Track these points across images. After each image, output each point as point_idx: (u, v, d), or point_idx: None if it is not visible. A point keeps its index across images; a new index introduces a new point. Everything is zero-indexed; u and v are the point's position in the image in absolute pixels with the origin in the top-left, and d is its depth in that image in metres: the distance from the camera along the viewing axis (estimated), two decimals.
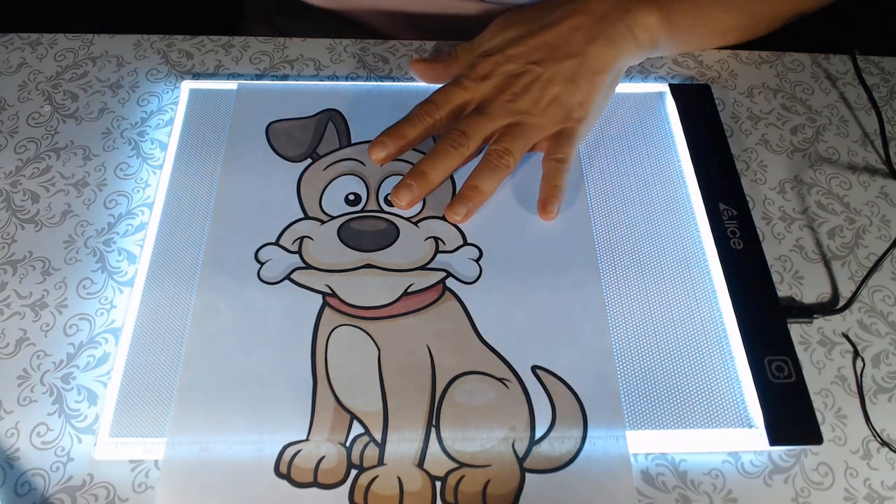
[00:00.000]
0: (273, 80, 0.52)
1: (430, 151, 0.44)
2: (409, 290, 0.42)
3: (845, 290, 0.44)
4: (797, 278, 0.45)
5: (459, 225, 0.45)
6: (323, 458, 0.36)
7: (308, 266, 0.42)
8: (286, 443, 0.37)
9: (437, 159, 0.44)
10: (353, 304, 0.41)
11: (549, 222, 0.45)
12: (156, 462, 0.37)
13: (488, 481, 0.36)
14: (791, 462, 0.38)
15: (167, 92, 0.51)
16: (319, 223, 0.44)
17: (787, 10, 0.51)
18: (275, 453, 0.36)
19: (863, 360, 0.42)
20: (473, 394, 0.38)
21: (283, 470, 0.36)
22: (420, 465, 0.36)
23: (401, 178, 0.46)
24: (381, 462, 0.36)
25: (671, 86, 0.52)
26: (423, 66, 0.50)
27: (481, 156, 0.45)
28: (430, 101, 0.45)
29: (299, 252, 0.43)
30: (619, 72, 0.48)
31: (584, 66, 0.45)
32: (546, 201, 0.44)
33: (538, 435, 0.37)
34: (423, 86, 0.52)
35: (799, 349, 0.42)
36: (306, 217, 0.44)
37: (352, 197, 0.45)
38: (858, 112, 0.53)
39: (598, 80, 0.46)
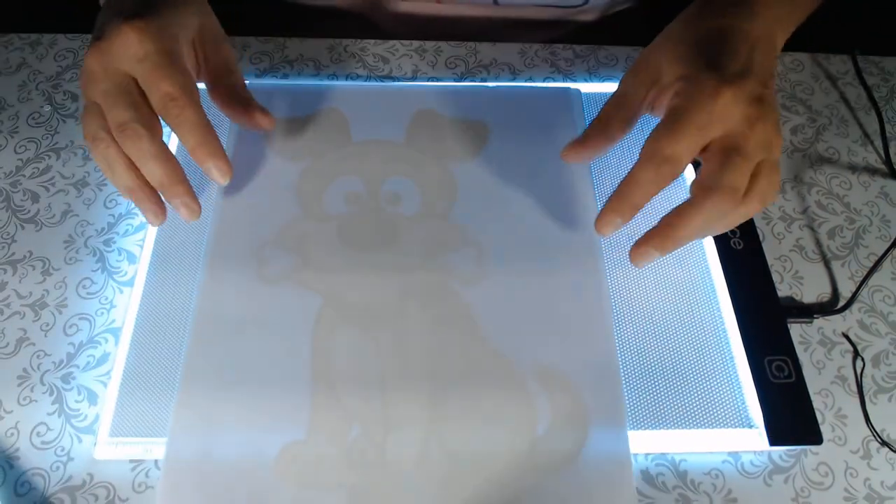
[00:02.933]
0: (273, 79, 0.52)
1: (633, 183, 0.36)
2: (409, 290, 0.42)
3: (845, 290, 0.44)
4: (797, 278, 0.45)
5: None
6: (323, 458, 0.36)
7: (308, 266, 0.42)
8: (286, 443, 0.37)
9: (702, 226, 0.35)
10: (353, 303, 0.41)
11: (549, 218, 0.45)
12: (156, 462, 0.37)
13: (489, 481, 0.36)
14: (791, 462, 0.38)
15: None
16: (319, 223, 0.44)
17: None
18: (274, 453, 0.36)
19: (863, 360, 0.42)
20: (474, 394, 0.38)
21: (283, 470, 0.36)
22: (420, 465, 0.36)
23: (401, 177, 0.46)
24: (380, 462, 0.36)
25: None
26: (592, 140, 0.40)
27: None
28: (668, 160, 0.35)
29: (299, 252, 0.43)
30: None
31: (774, 82, 0.38)
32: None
33: (539, 434, 0.37)
34: (423, 86, 0.52)
35: (799, 349, 0.42)
36: (306, 216, 0.44)
37: (352, 196, 0.45)
38: (858, 112, 0.53)
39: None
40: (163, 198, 0.39)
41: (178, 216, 0.45)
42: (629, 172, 0.36)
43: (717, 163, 0.35)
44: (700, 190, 0.35)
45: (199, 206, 0.39)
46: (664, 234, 0.35)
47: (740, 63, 0.37)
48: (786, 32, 0.41)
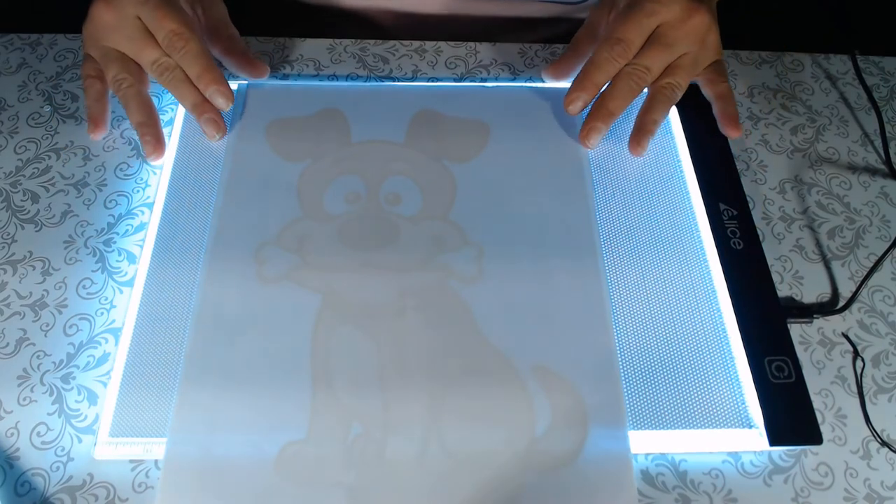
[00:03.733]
0: (273, 79, 0.52)
1: (615, 90, 0.45)
2: (410, 290, 0.42)
3: (845, 291, 0.44)
4: (797, 278, 0.45)
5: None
6: (322, 457, 0.36)
7: (308, 265, 0.42)
8: (286, 442, 0.37)
9: (622, 98, 0.44)
10: (353, 303, 0.41)
11: (549, 218, 0.45)
12: (156, 462, 0.37)
13: (488, 481, 0.36)
14: (791, 462, 0.38)
15: (167, 92, 0.51)
16: (319, 223, 0.44)
17: None
18: (275, 452, 0.36)
19: (863, 360, 0.42)
20: (474, 393, 0.38)
21: (283, 469, 0.36)
22: (420, 464, 0.36)
23: (401, 177, 0.46)
24: (380, 462, 0.36)
25: None
26: (566, 59, 0.49)
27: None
28: (620, 41, 0.44)
29: (299, 252, 0.43)
30: None
31: None
32: (733, 121, 0.47)
33: (539, 434, 0.37)
34: (423, 86, 0.52)
35: (799, 349, 0.42)
36: (306, 216, 0.44)
37: (352, 196, 0.45)
38: (858, 112, 0.53)
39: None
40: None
41: (180, 213, 0.45)
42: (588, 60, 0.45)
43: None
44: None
45: (225, 126, 0.47)
46: (599, 113, 0.45)
47: None
48: None
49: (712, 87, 0.47)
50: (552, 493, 0.36)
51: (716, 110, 0.47)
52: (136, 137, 0.49)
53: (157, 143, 0.45)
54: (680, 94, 0.45)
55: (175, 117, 0.49)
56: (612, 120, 0.45)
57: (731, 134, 0.46)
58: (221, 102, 0.45)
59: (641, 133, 0.45)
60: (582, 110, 0.45)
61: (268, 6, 0.63)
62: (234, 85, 0.51)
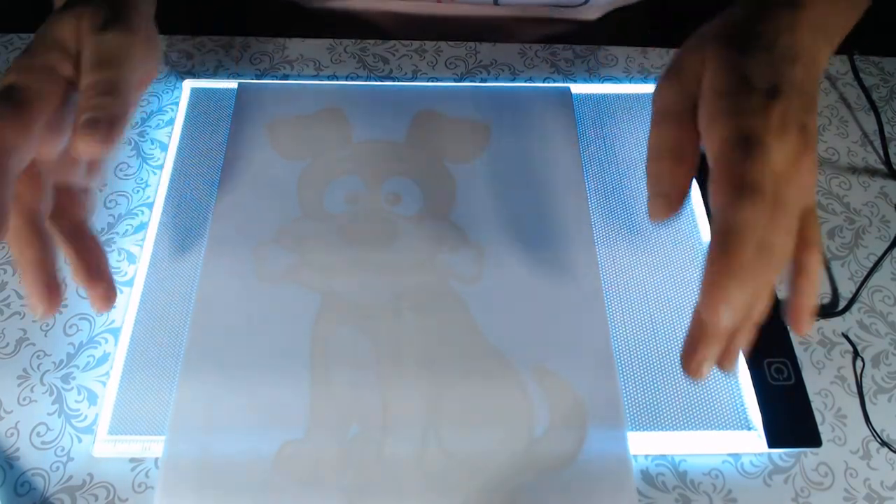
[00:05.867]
0: (273, 79, 0.52)
1: (735, 230, 0.28)
2: (409, 290, 0.42)
3: (845, 291, 0.44)
4: None
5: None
6: (321, 456, 0.36)
7: (307, 265, 0.42)
8: (284, 441, 0.37)
9: (747, 243, 0.28)
10: (353, 303, 0.41)
11: (549, 218, 0.45)
12: (156, 461, 0.37)
13: (487, 481, 0.36)
14: (791, 462, 0.38)
15: (167, 92, 0.51)
16: (319, 222, 0.44)
17: None
18: (273, 451, 0.36)
19: (863, 360, 0.42)
20: (473, 394, 0.38)
21: (282, 468, 0.36)
22: (418, 464, 0.36)
23: (401, 177, 0.46)
24: (379, 461, 0.36)
25: None
26: (668, 171, 0.33)
27: None
28: (757, 189, 0.28)
29: (299, 251, 0.43)
30: None
31: (817, 107, 0.32)
32: (808, 312, 0.32)
33: (538, 435, 0.37)
34: (423, 86, 0.52)
35: (799, 349, 0.42)
36: (306, 216, 0.44)
37: (352, 196, 0.45)
38: (858, 112, 0.53)
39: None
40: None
41: (180, 213, 0.45)
42: (720, 222, 0.28)
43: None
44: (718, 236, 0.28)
45: None
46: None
47: (783, 75, 0.31)
48: (830, 45, 0.35)
49: (798, 249, 0.31)
50: (551, 493, 0.36)
51: (790, 289, 0.32)
52: (135, 137, 0.49)
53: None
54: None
55: (175, 116, 0.49)
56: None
57: (797, 330, 0.32)
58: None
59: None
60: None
61: (268, 6, 0.63)
62: (232, 83, 0.51)
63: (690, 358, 0.30)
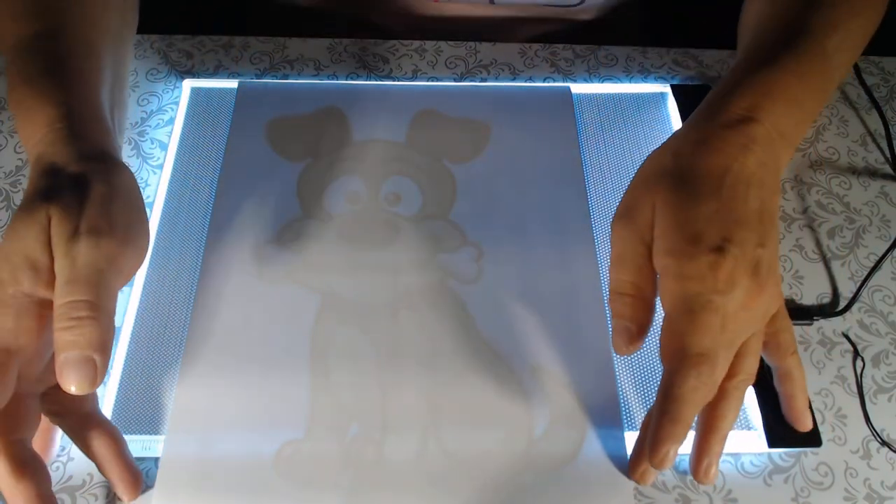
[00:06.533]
0: (273, 79, 0.52)
1: (680, 399, 0.31)
2: (409, 290, 0.42)
3: (845, 291, 0.44)
4: (797, 278, 0.45)
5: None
6: (321, 456, 0.36)
7: (307, 265, 0.42)
8: (284, 441, 0.37)
9: (733, 413, 0.34)
10: (352, 303, 0.41)
11: (548, 218, 0.45)
12: (156, 461, 0.37)
13: (487, 481, 0.36)
14: (791, 462, 0.38)
15: (167, 91, 0.51)
16: (319, 222, 0.44)
17: (860, 47, 0.43)
18: (273, 451, 0.36)
19: (863, 360, 0.42)
20: (473, 394, 0.38)
21: (281, 468, 0.36)
22: (418, 464, 0.36)
23: (401, 177, 0.46)
24: (379, 461, 0.36)
25: (672, 86, 0.52)
26: (632, 307, 0.35)
27: None
28: (701, 358, 0.31)
29: (299, 251, 0.43)
30: None
31: (776, 227, 0.35)
32: (803, 413, 0.37)
33: (538, 435, 0.37)
34: (423, 86, 0.52)
35: (799, 349, 0.42)
36: (306, 216, 0.44)
37: (352, 196, 0.45)
38: (859, 112, 0.53)
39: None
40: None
41: (180, 213, 0.45)
42: (667, 387, 0.32)
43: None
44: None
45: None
46: (705, 438, 0.34)
47: (728, 223, 0.33)
48: (791, 147, 0.37)
49: (776, 359, 0.37)
50: (551, 493, 0.36)
51: (781, 394, 0.38)
52: (134, 137, 0.49)
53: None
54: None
55: (175, 116, 0.49)
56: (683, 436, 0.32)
57: (800, 428, 0.37)
58: None
59: (706, 457, 0.34)
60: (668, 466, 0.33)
61: (268, 6, 0.63)
62: (233, 82, 0.51)
63: (635, 468, 0.36)
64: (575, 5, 0.59)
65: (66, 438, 0.37)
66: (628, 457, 0.37)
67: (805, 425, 0.37)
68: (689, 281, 0.32)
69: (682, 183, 0.34)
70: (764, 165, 0.34)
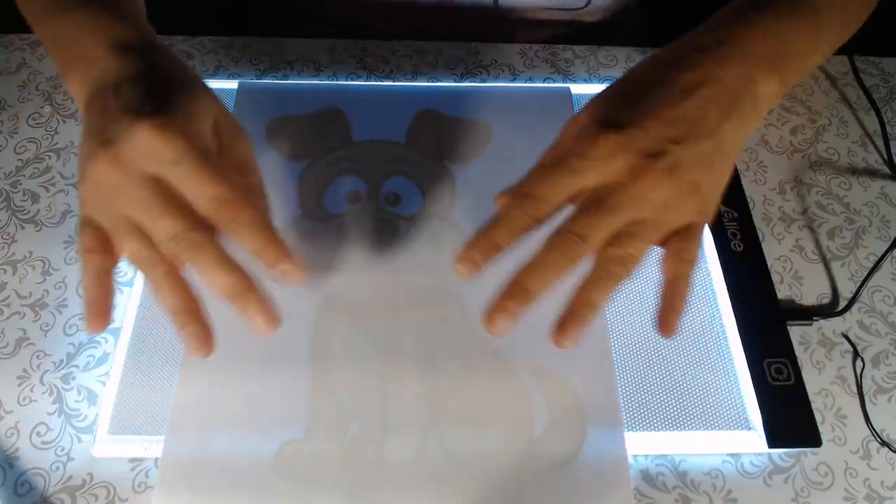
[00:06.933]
0: (273, 79, 0.52)
1: (536, 261, 0.34)
2: (409, 290, 0.42)
3: (845, 291, 0.44)
4: (797, 278, 0.45)
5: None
6: (321, 456, 0.36)
7: (307, 265, 0.42)
8: (284, 441, 0.37)
9: (546, 272, 0.34)
10: (352, 303, 0.41)
11: (550, 226, 0.44)
12: (155, 461, 0.37)
13: (487, 481, 0.36)
14: (791, 462, 0.38)
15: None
16: (319, 222, 0.44)
17: (855, 28, 0.43)
18: (273, 451, 0.36)
19: (863, 360, 0.42)
20: (473, 394, 0.38)
21: (281, 468, 0.36)
22: (418, 464, 0.36)
23: (401, 177, 0.46)
24: (379, 461, 0.36)
25: None
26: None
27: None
28: (529, 195, 0.34)
29: (299, 251, 0.43)
30: (738, 153, 0.39)
31: (720, 146, 0.36)
32: (671, 317, 0.35)
33: (538, 435, 0.37)
34: (423, 86, 0.52)
35: (799, 349, 0.42)
36: (306, 216, 0.44)
37: (352, 196, 0.45)
38: (858, 112, 0.53)
39: (729, 164, 0.37)
40: (236, 309, 0.34)
41: None
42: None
43: (575, 210, 0.34)
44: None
45: (279, 315, 0.33)
46: (512, 292, 0.34)
47: (642, 114, 0.34)
48: (774, 77, 0.37)
49: (668, 263, 0.37)
50: (551, 493, 0.36)
51: (661, 294, 0.36)
52: None
53: (204, 336, 0.33)
54: (633, 268, 0.35)
55: None
56: (527, 302, 0.34)
57: (661, 332, 0.35)
58: (294, 280, 0.34)
59: (573, 319, 0.34)
60: (472, 274, 0.35)
61: (268, 6, 0.63)
62: (232, 83, 0.51)
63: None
64: (581, 8, 0.59)
65: (65, 439, 0.37)
66: (626, 457, 0.37)
67: (666, 330, 0.35)
68: (570, 145, 0.34)
69: (623, 85, 0.37)
70: (719, 82, 0.35)
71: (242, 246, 0.34)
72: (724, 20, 0.38)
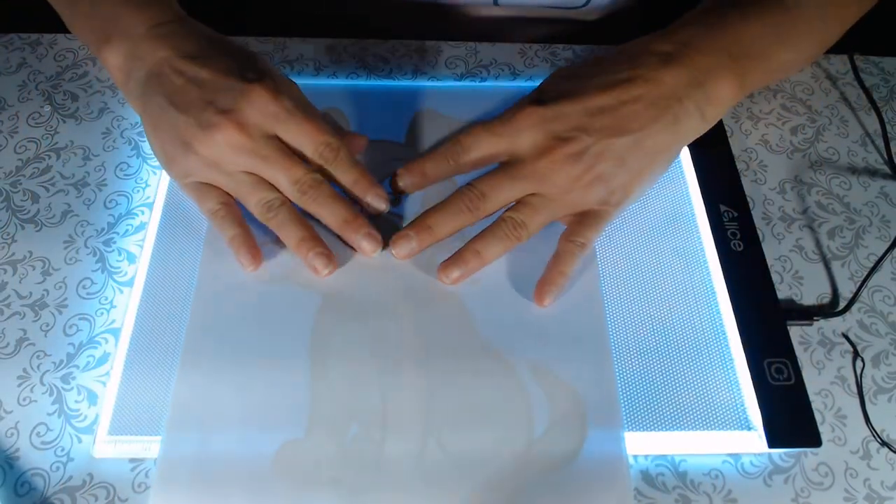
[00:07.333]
0: None
1: (441, 205, 0.40)
2: (409, 290, 0.42)
3: (845, 291, 0.44)
4: (797, 278, 0.45)
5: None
6: (321, 456, 0.36)
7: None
8: (284, 441, 0.37)
9: (446, 216, 0.40)
10: (352, 303, 0.41)
11: (549, 226, 0.45)
12: (155, 461, 0.37)
13: (487, 481, 0.36)
14: (791, 462, 0.38)
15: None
16: (318, 222, 0.44)
17: (846, 25, 0.44)
18: (273, 451, 0.36)
19: (863, 360, 0.42)
20: (473, 394, 0.38)
21: (281, 468, 0.36)
22: (418, 464, 0.36)
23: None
24: (379, 461, 0.36)
25: None
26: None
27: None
28: (457, 142, 0.41)
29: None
30: (674, 155, 0.42)
31: (640, 146, 0.39)
32: (546, 287, 0.40)
33: (537, 435, 0.37)
34: (423, 86, 0.52)
35: (799, 349, 0.42)
36: (306, 216, 0.44)
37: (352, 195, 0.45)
38: (859, 112, 0.53)
39: (650, 164, 0.40)
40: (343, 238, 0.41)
41: (180, 213, 0.44)
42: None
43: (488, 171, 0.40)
44: None
45: (380, 239, 0.41)
46: (415, 224, 0.41)
47: (570, 98, 0.39)
48: (729, 77, 0.39)
49: (561, 238, 0.41)
50: (549, 493, 0.36)
51: (547, 265, 0.41)
52: (135, 137, 0.49)
53: (329, 255, 0.41)
54: (524, 234, 0.40)
55: None
56: (427, 238, 0.40)
57: (536, 300, 0.40)
58: (383, 206, 0.41)
59: (455, 259, 0.40)
60: (398, 192, 0.43)
61: (268, 6, 0.63)
62: None
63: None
64: (580, 7, 0.59)
65: (65, 439, 0.37)
66: (626, 457, 0.37)
67: (540, 299, 0.40)
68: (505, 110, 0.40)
69: (577, 68, 0.41)
70: (658, 84, 0.38)
71: (342, 179, 0.41)
72: (692, 20, 0.41)
